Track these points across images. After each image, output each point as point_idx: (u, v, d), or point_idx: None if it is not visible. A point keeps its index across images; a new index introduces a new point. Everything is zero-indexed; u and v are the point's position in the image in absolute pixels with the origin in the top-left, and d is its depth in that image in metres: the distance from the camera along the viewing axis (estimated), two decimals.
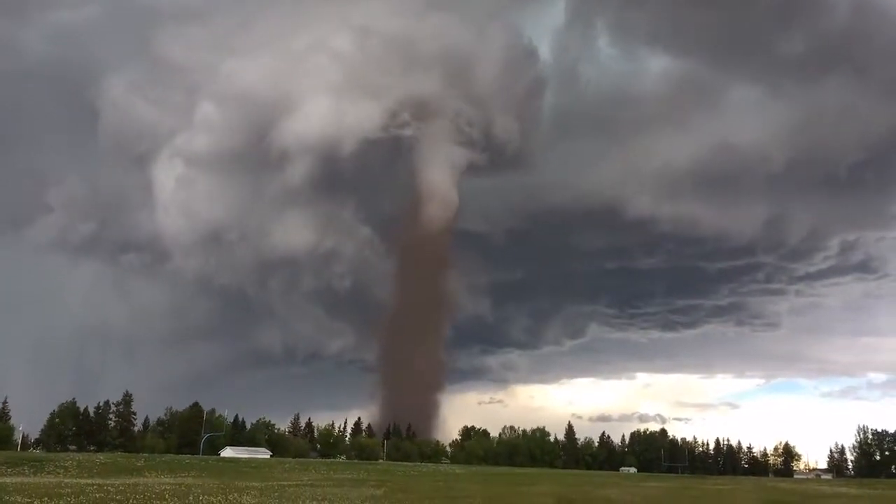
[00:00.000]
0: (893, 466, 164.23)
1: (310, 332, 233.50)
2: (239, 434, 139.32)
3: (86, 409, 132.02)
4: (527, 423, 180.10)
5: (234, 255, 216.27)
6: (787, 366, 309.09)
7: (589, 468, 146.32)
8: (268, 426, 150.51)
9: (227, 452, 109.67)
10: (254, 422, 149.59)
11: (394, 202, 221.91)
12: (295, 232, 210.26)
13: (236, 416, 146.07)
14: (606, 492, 36.38)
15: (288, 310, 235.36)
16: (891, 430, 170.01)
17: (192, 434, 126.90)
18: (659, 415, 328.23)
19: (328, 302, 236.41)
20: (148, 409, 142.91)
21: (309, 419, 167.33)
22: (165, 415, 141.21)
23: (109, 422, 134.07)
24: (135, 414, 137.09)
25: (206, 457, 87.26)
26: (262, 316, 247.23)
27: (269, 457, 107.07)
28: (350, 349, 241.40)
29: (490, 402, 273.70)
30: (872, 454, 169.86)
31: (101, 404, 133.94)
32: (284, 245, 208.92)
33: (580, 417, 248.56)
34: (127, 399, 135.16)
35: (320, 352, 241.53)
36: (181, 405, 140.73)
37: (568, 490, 37.05)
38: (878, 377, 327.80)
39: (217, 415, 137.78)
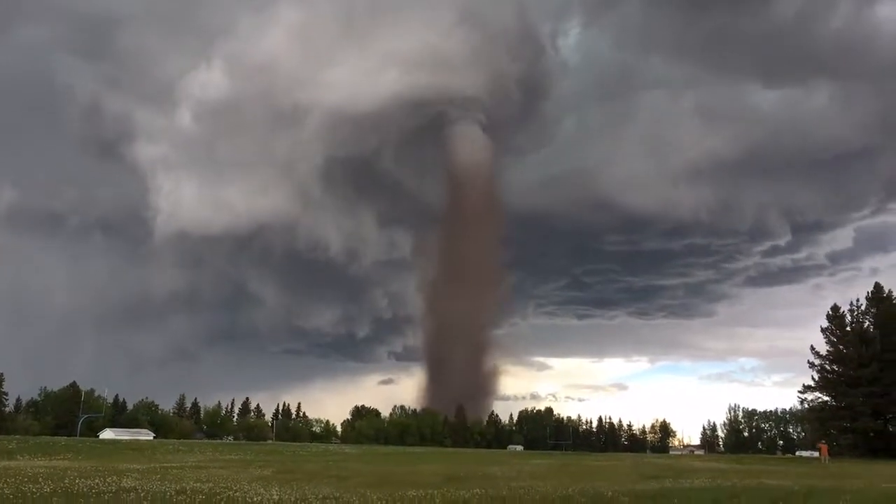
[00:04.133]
0: (759, 442, 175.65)
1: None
2: (120, 415, 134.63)
3: None
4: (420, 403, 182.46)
5: None
6: (672, 350, 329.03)
7: (478, 447, 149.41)
8: (151, 407, 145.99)
9: (107, 434, 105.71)
10: (135, 402, 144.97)
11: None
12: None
13: (116, 397, 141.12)
14: (492, 469, 37.30)
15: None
16: (759, 409, 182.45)
17: (68, 415, 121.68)
18: (552, 395, 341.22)
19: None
20: (21, 389, 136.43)
21: (195, 399, 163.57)
22: (40, 395, 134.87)
23: None
24: (6, 394, 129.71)
25: (83, 438, 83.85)
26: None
27: (151, 438, 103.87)
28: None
29: (388, 384, 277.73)
30: (741, 431, 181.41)
31: None
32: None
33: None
34: None
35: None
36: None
37: (455, 468, 37.79)
38: (749, 362, 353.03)
39: (96, 395, 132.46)
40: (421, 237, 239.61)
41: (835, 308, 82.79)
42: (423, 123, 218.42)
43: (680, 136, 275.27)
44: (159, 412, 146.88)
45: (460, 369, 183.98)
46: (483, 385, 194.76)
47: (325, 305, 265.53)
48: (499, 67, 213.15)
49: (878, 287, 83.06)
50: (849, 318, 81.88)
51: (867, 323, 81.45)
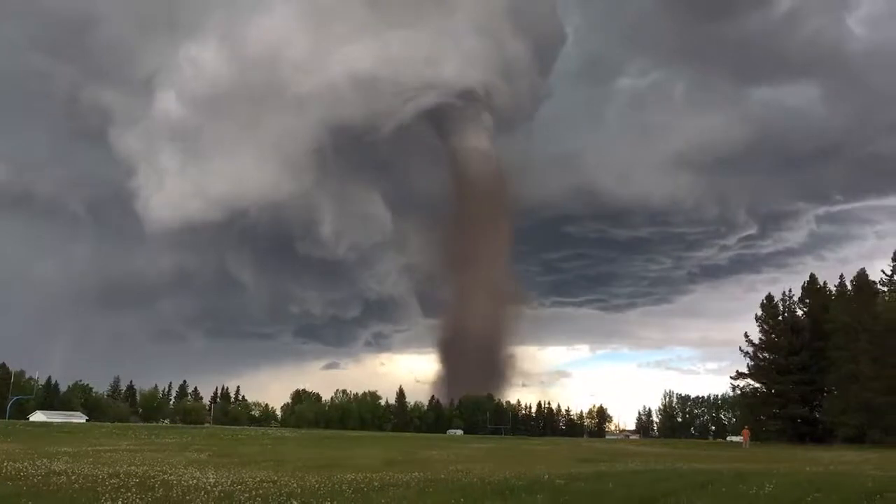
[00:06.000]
0: (693, 427, 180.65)
1: None
2: (52, 398, 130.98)
3: None
4: (365, 388, 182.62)
5: None
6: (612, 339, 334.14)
7: (418, 431, 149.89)
8: (84, 390, 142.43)
9: (38, 417, 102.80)
10: (69, 385, 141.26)
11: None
12: None
13: (49, 379, 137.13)
14: (430, 453, 37.52)
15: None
16: (692, 395, 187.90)
17: None
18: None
19: None
20: None
21: (130, 382, 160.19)
22: None
23: None
24: None
25: (12, 421, 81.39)
26: None
27: (84, 421, 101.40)
28: None
29: (332, 368, 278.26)
30: (675, 416, 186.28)
31: None
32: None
33: (423, 383, 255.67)
34: None
35: None
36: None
37: (394, 452, 37.88)
38: (686, 351, 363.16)
39: (27, 377, 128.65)
40: (426, 226, 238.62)
41: (769, 297, 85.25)
42: (428, 110, 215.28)
43: (661, 127, 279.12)
44: (93, 395, 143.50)
45: (476, 360, 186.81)
46: (500, 374, 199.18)
47: (294, 290, 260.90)
48: (518, 62, 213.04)
49: (812, 278, 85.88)
50: (781, 307, 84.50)
51: (799, 312, 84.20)
